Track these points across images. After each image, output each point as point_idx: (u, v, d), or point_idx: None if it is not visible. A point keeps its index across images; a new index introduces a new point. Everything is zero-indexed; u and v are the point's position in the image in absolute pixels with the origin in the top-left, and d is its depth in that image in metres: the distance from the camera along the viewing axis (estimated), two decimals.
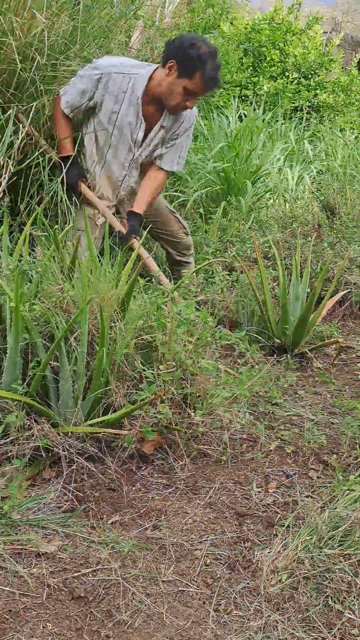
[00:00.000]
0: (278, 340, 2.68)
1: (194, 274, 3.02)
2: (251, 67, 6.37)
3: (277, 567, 1.48)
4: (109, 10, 3.04)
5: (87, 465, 1.79)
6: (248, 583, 1.48)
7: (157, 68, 2.68)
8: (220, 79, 2.67)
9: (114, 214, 2.89)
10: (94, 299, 1.90)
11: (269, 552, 1.53)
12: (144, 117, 2.74)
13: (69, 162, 2.67)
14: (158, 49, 5.58)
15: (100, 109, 2.72)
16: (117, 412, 1.84)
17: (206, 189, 4.09)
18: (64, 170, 2.63)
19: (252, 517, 1.72)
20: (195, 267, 3.24)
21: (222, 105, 5.56)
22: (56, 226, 2.41)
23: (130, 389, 1.93)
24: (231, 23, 6.69)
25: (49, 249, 2.15)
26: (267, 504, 1.77)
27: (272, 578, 1.46)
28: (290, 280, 2.91)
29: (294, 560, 1.49)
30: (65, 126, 2.73)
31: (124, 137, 2.77)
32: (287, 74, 6.58)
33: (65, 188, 2.64)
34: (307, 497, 1.79)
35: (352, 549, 1.51)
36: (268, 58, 6.43)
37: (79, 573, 1.47)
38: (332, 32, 10.83)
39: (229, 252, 3.39)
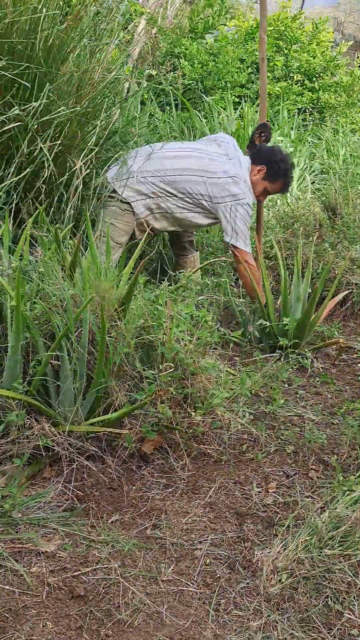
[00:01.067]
0: (279, 340, 2.68)
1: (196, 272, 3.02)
2: (251, 68, 6.36)
3: (277, 567, 1.48)
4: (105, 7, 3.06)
5: (87, 465, 1.79)
6: (248, 583, 1.48)
7: (250, 165, 3.13)
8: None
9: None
10: (95, 298, 1.90)
11: (269, 552, 1.53)
12: None
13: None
14: (160, 50, 5.58)
15: None
16: (118, 412, 1.84)
17: None
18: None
19: (252, 517, 1.71)
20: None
21: (222, 107, 5.56)
22: (57, 225, 2.41)
23: (131, 389, 1.93)
24: (232, 26, 6.68)
25: (49, 249, 2.15)
26: (267, 504, 1.77)
27: (272, 578, 1.46)
28: (291, 280, 2.91)
29: (294, 560, 1.49)
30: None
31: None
32: (290, 74, 6.57)
33: None
34: (307, 497, 1.79)
35: (352, 549, 1.51)
36: (272, 63, 6.42)
37: (79, 572, 1.47)
38: (335, 33, 10.81)
39: (230, 252, 3.39)
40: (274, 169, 3.12)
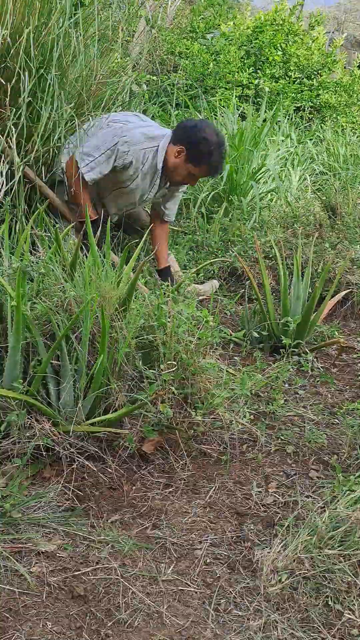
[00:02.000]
0: (279, 340, 2.68)
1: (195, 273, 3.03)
2: (252, 67, 6.37)
3: (277, 567, 1.48)
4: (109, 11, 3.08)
5: (87, 465, 1.79)
6: (248, 583, 1.49)
7: (170, 140, 2.78)
8: (222, 167, 2.92)
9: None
10: (95, 298, 1.90)
11: (269, 552, 1.53)
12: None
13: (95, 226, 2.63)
14: (160, 50, 5.57)
15: (118, 171, 2.75)
16: (118, 412, 1.84)
17: (213, 191, 4.10)
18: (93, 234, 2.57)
19: (252, 517, 1.72)
20: (196, 266, 3.25)
21: (223, 105, 5.56)
22: (57, 225, 2.41)
23: (131, 389, 1.93)
24: (233, 23, 6.67)
25: (50, 248, 2.15)
26: (267, 504, 1.77)
27: (272, 578, 1.47)
28: (291, 280, 2.91)
29: (294, 560, 1.49)
30: (89, 193, 2.72)
31: (132, 194, 2.86)
32: (289, 73, 6.57)
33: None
34: (307, 497, 1.79)
35: (352, 549, 1.51)
36: (270, 59, 6.42)
37: (79, 572, 1.47)
38: (335, 33, 10.82)
39: (231, 252, 3.39)
40: (194, 151, 2.71)
